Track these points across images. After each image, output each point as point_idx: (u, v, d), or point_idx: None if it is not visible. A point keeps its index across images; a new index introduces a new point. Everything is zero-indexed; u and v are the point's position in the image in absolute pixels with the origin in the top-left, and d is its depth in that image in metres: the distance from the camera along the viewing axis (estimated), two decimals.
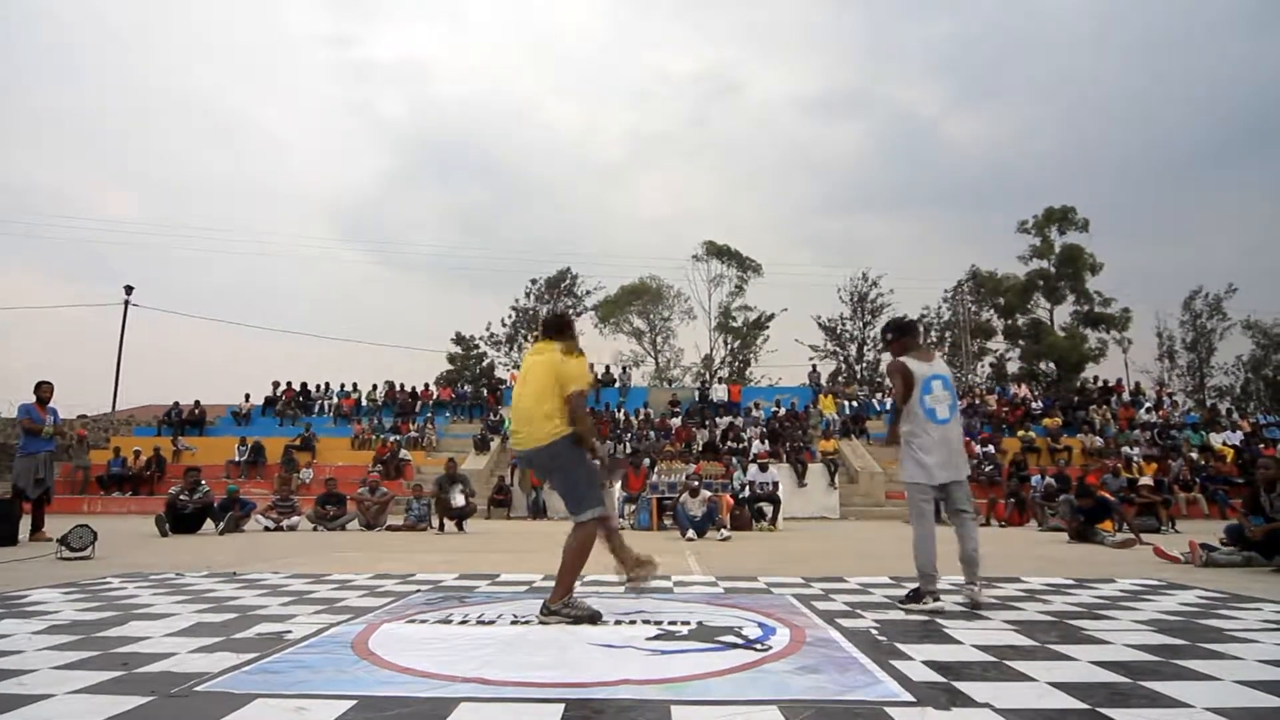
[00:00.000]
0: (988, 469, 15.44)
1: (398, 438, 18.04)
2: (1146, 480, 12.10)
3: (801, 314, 52.23)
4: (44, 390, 7.92)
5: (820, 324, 36.77)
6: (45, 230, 60.75)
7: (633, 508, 11.42)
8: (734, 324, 36.71)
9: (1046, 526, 10.79)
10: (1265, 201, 50.83)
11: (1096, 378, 24.91)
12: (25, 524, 7.51)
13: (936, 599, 3.57)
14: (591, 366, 3.55)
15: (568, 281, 38.05)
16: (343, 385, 22.03)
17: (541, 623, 3.18)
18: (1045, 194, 73.15)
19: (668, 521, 10.45)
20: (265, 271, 56.75)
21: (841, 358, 36.49)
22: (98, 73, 60.00)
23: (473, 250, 58.75)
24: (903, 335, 4.04)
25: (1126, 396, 20.74)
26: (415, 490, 10.95)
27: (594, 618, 3.18)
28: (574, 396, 3.27)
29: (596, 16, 66.64)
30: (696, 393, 22.04)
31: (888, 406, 20.64)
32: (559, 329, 3.48)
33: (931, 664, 2.44)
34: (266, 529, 10.09)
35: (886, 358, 5.58)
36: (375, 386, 22.08)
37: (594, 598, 3.85)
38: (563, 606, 3.21)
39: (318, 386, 22.06)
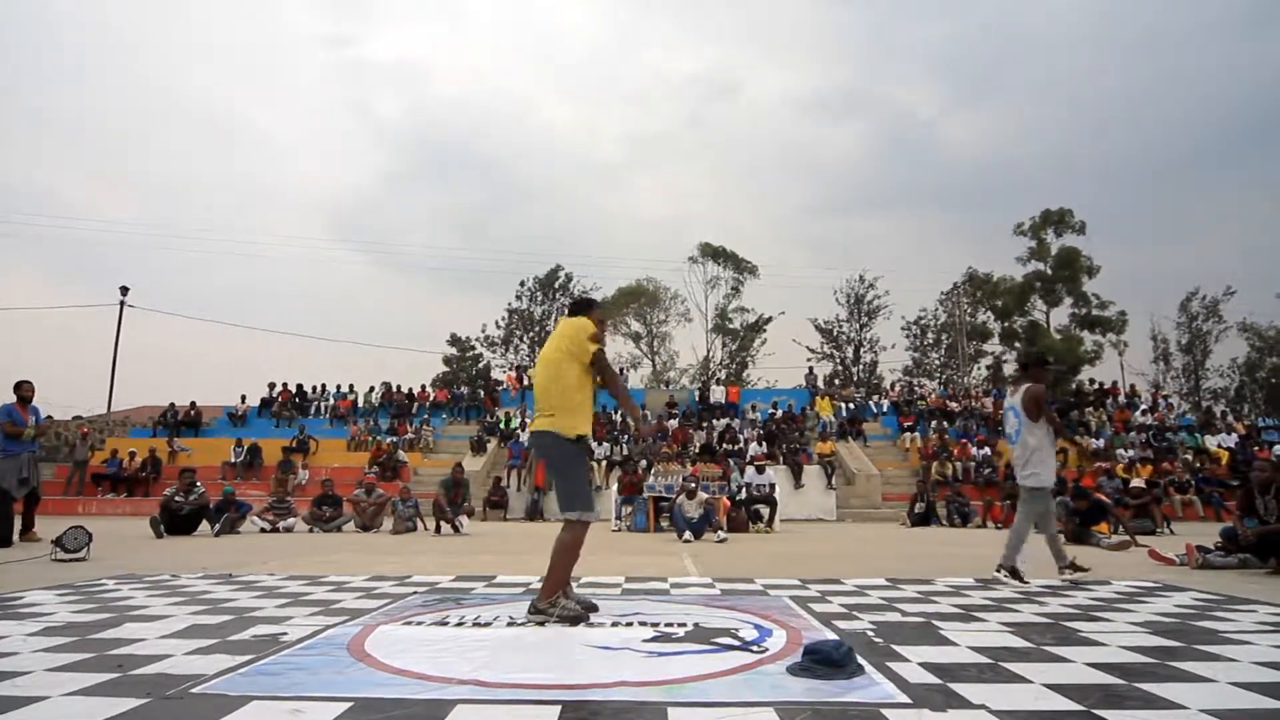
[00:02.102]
0: (985, 471, 15.55)
1: (394, 439, 18.02)
2: (1139, 482, 12.14)
3: (799, 314, 52.39)
4: (25, 390, 7.76)
5: (817, 326, 36.86)
6: (42, 230, 60.57)
7: (629, 509, 11.42)
8: (730, 326, 36.75)
9: None
10: (1265, 202, 51.09)
11: (1092, 380, 24.97)
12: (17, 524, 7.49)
13: (1016, 577, 4.75)
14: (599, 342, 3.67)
15: (560, 281, 37.98)
16: (339, 386, 21.99)
17: (534, 623, 3.18)
18: (1043, 194, 73.59)
19: (664, 523, 10.46)
20: (262, 272, 56.78)
21: (838, 360, 36.56)
22: (97, 73, 60.05)
23: (470, 251, 58.79)
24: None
25: (1122, 399, 20.80)
26: (403, 493, 10.86)
27: (578, 619, 3.18)
28: (597, 357, 3.33)
29: (596, 17, 66.80)
30: (696, 393, 22.03)
31: (884, 408, 20.84)
32: (575, 307, 3.61)
33: (927, 665, 2.45)
34: (262, 530, 10.06)
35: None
36: (372, 388, 22.05)
37: (591, 599, 3.85)
38: (549, 606, 3.22)
39: (314, 388, 21.99)
